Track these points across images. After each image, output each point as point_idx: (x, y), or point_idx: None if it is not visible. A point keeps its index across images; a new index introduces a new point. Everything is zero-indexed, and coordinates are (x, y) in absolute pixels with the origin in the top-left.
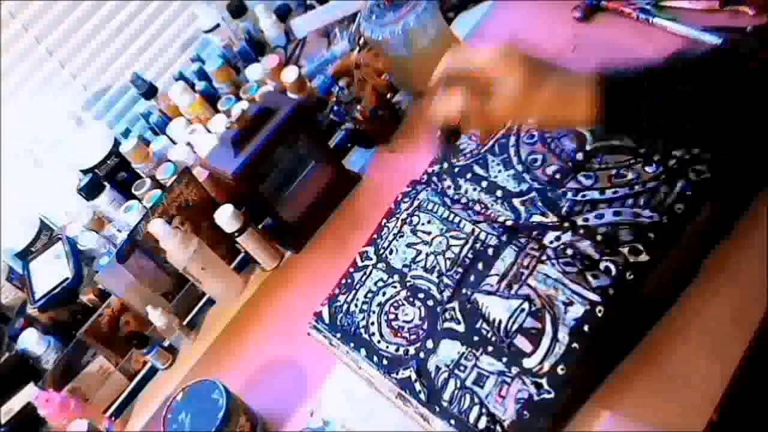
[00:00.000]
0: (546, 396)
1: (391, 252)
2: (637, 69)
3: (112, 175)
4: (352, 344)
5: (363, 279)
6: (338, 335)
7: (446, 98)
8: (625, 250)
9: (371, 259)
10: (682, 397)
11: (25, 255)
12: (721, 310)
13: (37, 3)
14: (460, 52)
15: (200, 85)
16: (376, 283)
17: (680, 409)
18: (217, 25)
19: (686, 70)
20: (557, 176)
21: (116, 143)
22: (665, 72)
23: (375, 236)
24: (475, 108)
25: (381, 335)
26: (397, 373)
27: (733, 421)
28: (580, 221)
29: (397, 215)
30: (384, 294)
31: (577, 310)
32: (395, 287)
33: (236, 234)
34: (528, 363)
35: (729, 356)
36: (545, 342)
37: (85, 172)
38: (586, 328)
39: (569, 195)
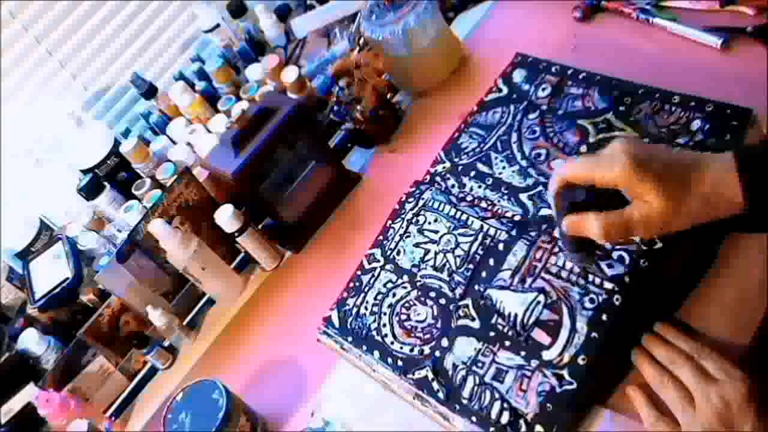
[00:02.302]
0: (568, 387)
1: (398, 253)
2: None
3: (112, 175)
4: (364, 347)
5: (371, 281)
6: (349, 339)
7: (581, 218)
8: (637, 238)
9: (379, 261)
10: None
11: (25, 255)
12: (721, 309)
13: (37, 3)
14: (577, 165)
15: (200, 85)
16: (385, 285)
17: None
18: (217, 25)
19: None
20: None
21: (116, 143)
22: None
23: (381, 238)
24: (617, 223)
25: (394, 336)
26: (413, 374)
27: None
28: None
29: (403, 216)
30: (394, 295)
31: (594, 300)
32: (405, 288)
33: (236, 234)
34: (547, 355)
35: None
36: (564, 333)
37: (85, 172)
38: (604, 317)
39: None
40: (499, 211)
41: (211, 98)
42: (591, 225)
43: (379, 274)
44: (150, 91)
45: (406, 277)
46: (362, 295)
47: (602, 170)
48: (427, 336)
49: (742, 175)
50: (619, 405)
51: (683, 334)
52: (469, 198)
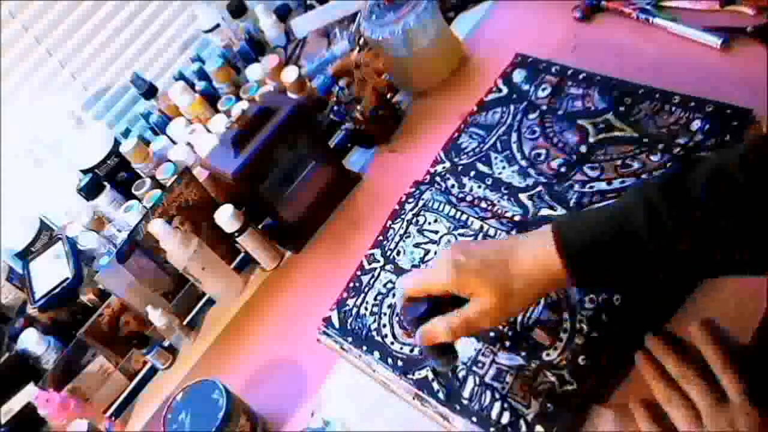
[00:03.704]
0: (568, 387)
1: (398, 253)
2: (590, 220)
3: (112, 175)
4: (364, 347)
5: (371, 282)
6: (349, 339)
7: (429, 326)
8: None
9: (378, 261)
10: None
11: (25, 255)
12: (721, 309)
13: (37, 3)
14: (413, 279)
15: (200, 85)
16: (385, 285)
17: None
18: (217, 25)
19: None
20: (563, 169)
21: (116, 143)
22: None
23: (381, 238)
24: (459, 322)
25: (394, 337)
26: (413, 374)
27: None
28: None
29: (403, 216)
30: (394, 295)
31: (594, 300)
32: None
33: (236, 234)
34: (548, 355)
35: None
36: (564, 333)
37: (85, 172)
38: (604, 317)
39: (576, 187)
40: (499, 211)
41: (211, 98)
42: (437, 330)
43: (379, 275)
44: (150, 91)
45: None
46: (362, 295)
47: (432, 282)
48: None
49: (558, 244)
50: (619, 405)
51: (707, 336)
52: (469, 198)
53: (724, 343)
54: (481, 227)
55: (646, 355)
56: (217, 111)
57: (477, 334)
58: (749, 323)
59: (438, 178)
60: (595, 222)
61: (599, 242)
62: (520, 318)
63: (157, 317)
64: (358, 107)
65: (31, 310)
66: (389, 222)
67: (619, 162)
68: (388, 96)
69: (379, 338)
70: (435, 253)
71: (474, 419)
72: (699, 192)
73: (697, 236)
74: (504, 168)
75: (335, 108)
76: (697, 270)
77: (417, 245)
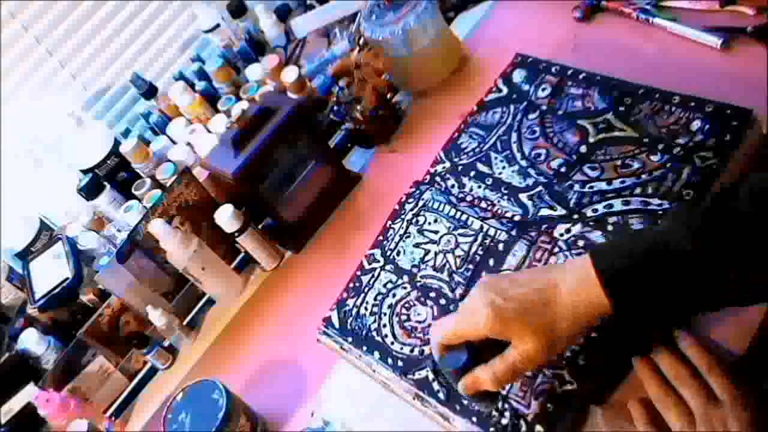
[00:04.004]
0: (568, 387)
1: (398, 253)
2: (628, 247)
3: (112, 175)
4: (364, 347)
5: (371, 282)
6: (349, 339)
7: (473, 377)
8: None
9: (378, 261)
10: None
11: (25, 255)
12: (721, 310)
13: (37, 3)
14: (447, 327)
15: (200, 85)
16: (385, 285)
17: None
18: (217, 25)
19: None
20: (563, 170)
21: (116, 143)
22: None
23: (381, 238)
24: (504, 370)
25: (394, 337)
26: (413, 374)
27: None
28: (589, 212)
29: (403, 216)
30: (394, 295)
31: None
32: (405, 288)
33: (236, 234)
34: None
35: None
36: None
37: (85, 172)
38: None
39: (576, 187)
40: (499, 211)
41: (211, 98)
42: (482, 381)
43: (379, 275)
44: (150, 91)
45: (406, 278)
46: (362, 295)
47: (470, 329)
48: (428, 336)
49: (599, 273)
50: (619, 405)
51: (695, 344)
52: (469, 198)
53: (714, 351)
54: (481, 227)
55: (642, 356)
56: (217, 111)
57: (523, 374)
58: (749, 323)
59: (438, 178)
60: (636, 250)
61: (642, 270)
62: None
63: (157, 317)
64: (358, 107)
65: (31, 310)
66: (389, 222)
67: (619, 162)
68: (388, 96)
69: (379, 338)
70: (435, 253)
71: (474, 419)
72: (746, 208)
73: (749, 256)
74: (504, 168)
75: (335, 108)
76: (745, 294)
77: (417, 245)
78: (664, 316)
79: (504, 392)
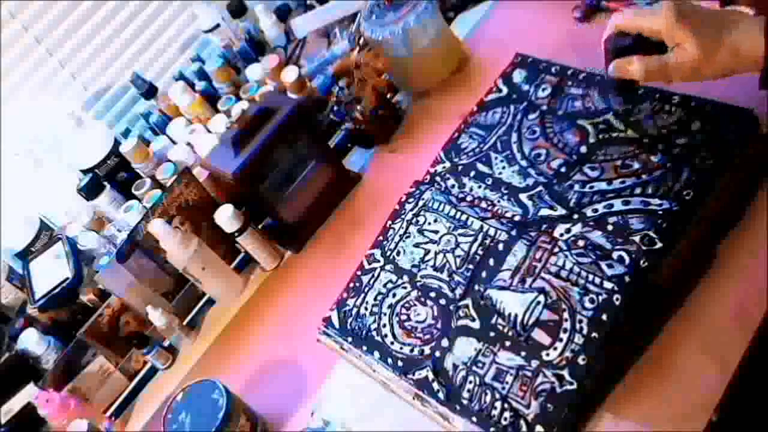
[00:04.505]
0: (568, 387)
1: (398, 253)
2: None
3: (112, 175)
4: (364, 347)
5: (371, 282)
6: (349, 339)
7: (626, 61)
8: (637, 238)
9: (379, 261)
10: (682, 397)
11: (25, 255)
12: (721, 309)
13: (37, 3)
14: (628, 15)
15: (200, 85)
16: (385, 285)
17: (680, 409)
18: (217, 25)
19: None
20: (563, 170)
21: (116, 143)
22: None
23: (381, 238)
24: (656, 67)
25: (394, 337)
26: (413, 374)
27: (733, 421)
28: (589, 212)
29: (403, 216)
30: (394, 295)
31: (594, 300)
32: (405, 288)
33: (236, 234)
34: (548, 355)
35: (729, 356)
36: (564, 333)
37: (85, 172)
38: (604, 317)
39: (576, 187)
40: (499, 211)
41: (211, 98)
42: (634, 67)
43: (379, 275)
44: (150, 91)
45: (406, 278)
46: (362, 295)
47: (648, 20)
48: (427, 336)
49: (767, 35)
50: (619, 405)
51: None
52: (469, 198)
53: None
54: (481, 227)
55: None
56: (217, 111)
57: (667, 81)
58: (749, 323)
59: (438, 178)
60: None
61: None
62: (520, 317)
63: (157, 317)
64: (358, 107)
65: (31, 310)
66: (389, 222)
67: (619, 162)
68: (388, 96)
69: (379, 338)
70: (435, 253)
71: (474, 419)
72: None
73: None
74: (504, 168)
75: (335, 108)
76: None
77: (417, 245)
78: None
79: (504, 392)
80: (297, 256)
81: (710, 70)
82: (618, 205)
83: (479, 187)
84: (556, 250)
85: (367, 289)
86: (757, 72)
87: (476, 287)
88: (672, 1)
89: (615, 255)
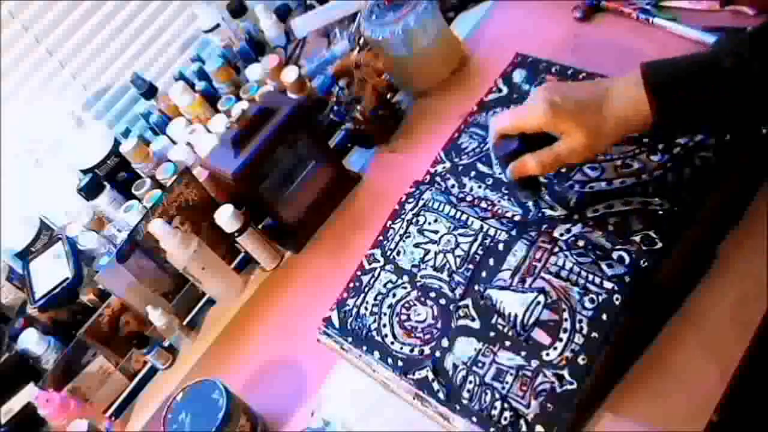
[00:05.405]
0: (568, 387)
1: (398, 253)
2: (679, 61)
3: (112, 175)
4: (364, 347)
5: (371, 282)
6: (349, 339)
7: (520, 162)
8: (637, 238)
9: (379, 261)
10: (682, 397)
11: (25, 255)
12: (721, 309)
13: (37, 3)
14: (504, 119)
15: (200, 85)
16: (385, 285)
17: (680, 409)
18: (217, 25)
19: (731, 50)
20: (563, 170)
21: (116, 143)
22: (711, 57)
23: (381, 238)
24: (550, 159)
25: (394, 337)
26: (413, 374)
27: (733, 421)
28: (589, 213)
29: (403, 216)
30: (394, 295)
31: (594, 300)
32: (405, 288)
33: (236, 234)
34: (547, 355)
35: (729, 356)
36: (564, 333)
37: (85, 172)
38: (604, 317)
39: (576, 187)
40: (499, 211)
41: (211, 98)
42: (528, 164)
43: (379, 275)
44: (150, 91)
45: (406, 278)
46: (362, 295)
47: (527, 120)
48: (427, 336)
49: (648, 89)
50: (619, 405)
51: None
52: (469, 198)
53: None
54: (481, 227)
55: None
56: (217, 111)
57: (562, 167)
58: (749, 323)
59: (438, 178)
60: (683, 64)
61: (686, 81)
62: (520, 317)
63: (157, 317)
64: (358, 107)
65: (31, 310)
66: (389, 222)
67: (619, 162)
68: (388, 96)
69: (379, 338)
70: (435, 253)
71: (474, 419)
72: None
73: None
74: None
75: (335, 108)
76: None
77: (417, 245)
78: (707, 129)
79: (504, 392)
80: (297, 256)
81: (602, 144)
82: (618, 205)
83: (479, 187)
84: (556, 250)
85: (367, 289)
86: (647, 126)
87: (476, 287)
88: (543, 90)
89: (615, 255)
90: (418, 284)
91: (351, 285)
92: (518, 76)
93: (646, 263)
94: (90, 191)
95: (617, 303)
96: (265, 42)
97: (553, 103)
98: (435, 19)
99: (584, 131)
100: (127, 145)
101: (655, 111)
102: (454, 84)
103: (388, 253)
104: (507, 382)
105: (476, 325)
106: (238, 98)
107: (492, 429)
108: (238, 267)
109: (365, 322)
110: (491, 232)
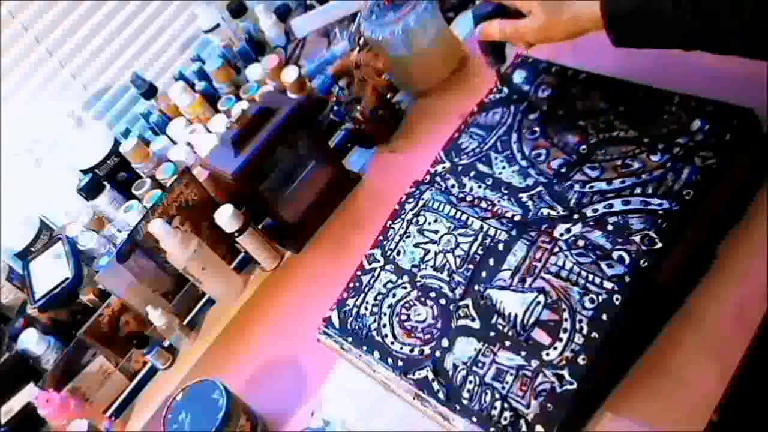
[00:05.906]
0: (568, 387)
1: (398, 253)
2: None
3: (112, 175)
4: (364, 347)
5: (371, 282)
6: (350, 339)
7: (488, 24)
8: (637, 238)
9: (379, 261)
10: (682, 397)
11: (25, 255)
12: (721, 309)
13: (37, 3)
14: None
15: (200, 85)
16: (385, 285)
17: (680, 409)
18: (217, 25)
19: None
20: (563, 170)
21: (116, 143)
22: None
23: (381, 238)
24: (511, 29)
25: (394, 337)
26: (413, 374)
27: (733, 421)
28: (589, 212)
29: (403, 216)
30: (394, 295)
31: (594, 300)
32: (405, 288)
33: (236, 234)
34: (548, 355)
35: (729, 356)
36: (564, 333)
37: (85, 172)
38: (604, 317)
39: (576, 187)
40: (499, 211)
41: (211, 98)
42: (493, 28)
43: (379, 275)
44: (150, 91)
45: (406, 278)
46: (362, 295)
47: None
48: (428, 336)
49: (603, 8)
50: (619, 405)
51: None
52: (469, 198)
53: None
54: (481, 227)
55: None
56: (217, 111)
57: (526, 44)
58: (749, 323)
59: (438, 178)
60: None
61: (634, 10)
62: (520, 317)
63: (157, 317)
64: (358, 107)
65: (31, 310)
66: (389, 222)
67: (619, 162)
68: (388, 96)
69: (379, 338)
70: (435, 253)
71: (474, 419)
72: None
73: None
74: (504, 168)
75: (335, 108)
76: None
77: (417, 245)
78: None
79: (504, 392)
80: (297, 256)
81: (557, 33)
82: (618, 205)
83: (479, 187)
84: (556, 250)
85: (367, 289)
86: (601, 30)
87: (476, 287)
88: None
89: (615, 255)
90: (418, 284)
91: (351, 285)
92: (518, 76)
93: (646, 263)
94: (90, 191)
95: (617, 303)
96: (265, 42)
97: None
98: (435, 19)
99: (545, 14)
100: (127, 145)
101: (607, 32)
102: (454, 84)
103: (388, 253)
104: (507, 382)
105: (476, 325)
106: (238, 98)
107: (492, 429)
108: (238, 267)
109: (365, 322)
110: (491, 232)
